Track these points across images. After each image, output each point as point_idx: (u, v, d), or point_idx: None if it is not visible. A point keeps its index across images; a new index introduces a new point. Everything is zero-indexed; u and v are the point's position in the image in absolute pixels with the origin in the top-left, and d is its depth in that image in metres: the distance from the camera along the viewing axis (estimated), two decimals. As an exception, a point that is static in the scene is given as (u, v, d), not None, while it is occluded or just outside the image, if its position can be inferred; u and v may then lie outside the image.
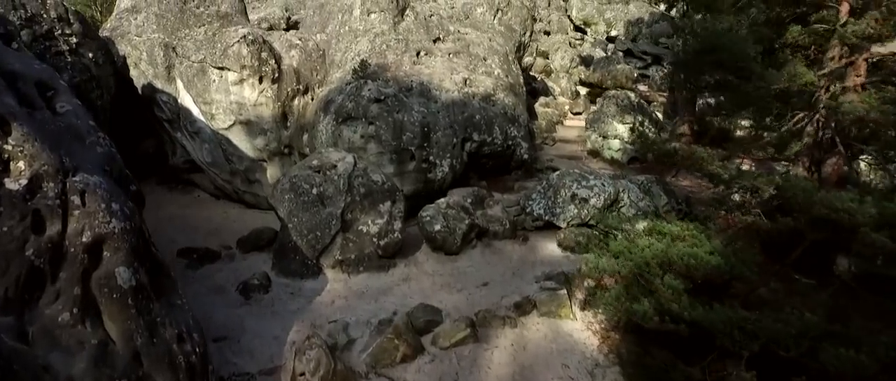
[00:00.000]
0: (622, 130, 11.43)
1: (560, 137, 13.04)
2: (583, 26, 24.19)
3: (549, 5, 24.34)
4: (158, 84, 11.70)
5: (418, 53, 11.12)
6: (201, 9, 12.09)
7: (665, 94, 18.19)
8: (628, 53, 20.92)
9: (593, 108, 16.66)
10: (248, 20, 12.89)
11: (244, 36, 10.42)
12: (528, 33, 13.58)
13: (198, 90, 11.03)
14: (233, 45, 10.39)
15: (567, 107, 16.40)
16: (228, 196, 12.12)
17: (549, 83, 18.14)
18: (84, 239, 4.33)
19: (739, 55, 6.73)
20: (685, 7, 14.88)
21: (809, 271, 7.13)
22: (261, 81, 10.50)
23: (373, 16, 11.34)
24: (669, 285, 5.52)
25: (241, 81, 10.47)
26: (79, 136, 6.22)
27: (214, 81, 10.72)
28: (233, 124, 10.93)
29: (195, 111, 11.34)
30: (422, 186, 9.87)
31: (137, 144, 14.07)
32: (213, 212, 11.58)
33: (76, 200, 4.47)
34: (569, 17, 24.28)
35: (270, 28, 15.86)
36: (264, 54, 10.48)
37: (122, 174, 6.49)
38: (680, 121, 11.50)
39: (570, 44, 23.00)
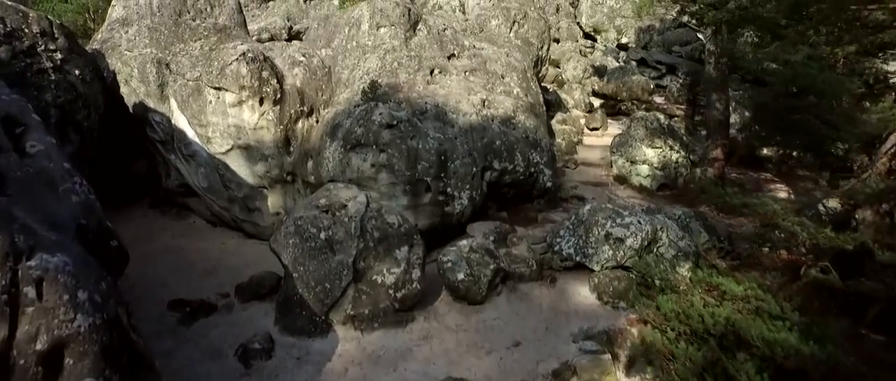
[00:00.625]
0: (651, 155, 10.49)
1: (582, 160, 12.10)
2: (592, 34, 23.25)
3: (557, 12, 23.35)
4: (151, 103, 10.71)
5: (432, 72, 10.16)
6: (198, 21, 11.10)
7: (683, 105, 17.27)
8: (642, 63, 20.00)
9: (615, 127, 15.74)
10: (248, 33, 11.90)
11: (244, 53, 9.43)
12: (545, 47, 12.63)
13: (193, 111, 10.04)
14: (231, 63, 9.41)
15: (583, 121, 15.45)
16: (226, 224, 11.14)
17: (562, 95, 17.19)
18: (39, 346, 3.37)
19: (832, 97, 5.80)
20: (724, 30, 13.91)
21: (880, 327, 6.23)
22: (261, 102, 9.52)
23: (383, 30, 10.37)
24: (748, 374, 4.59)
25: (240, 102, 9.49)
26: (51, 182, 5.26)
27: (211, 102, 9.74)
28: (231, 149, 9.96)
29: (190, 133, 10.35)
30: (438, 220, 8.92)
31: (129, 165, 13.08)
32: (210, 243, 10.60)
33: (30, 292, 3.50)
34: (578, 24, 23.32)
35: (271, 38, 14.87)
36: (265, 74, 9.51)
37: (101, 228, 5.52)
38: (712, 144, 10.57)
39: (580, 52, 22.03)
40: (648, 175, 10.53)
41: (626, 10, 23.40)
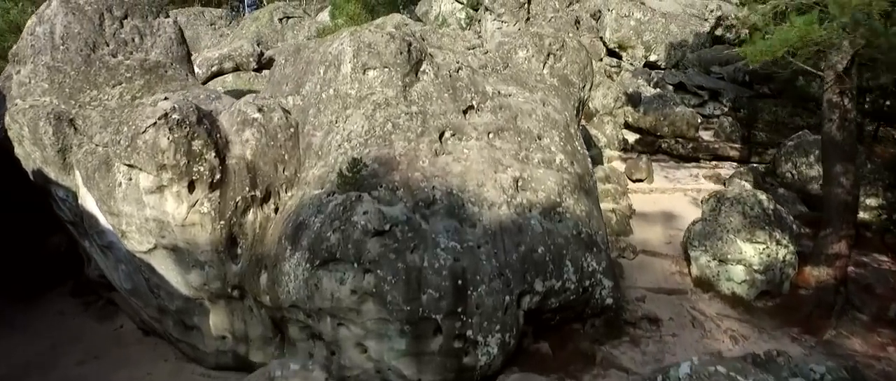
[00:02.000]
0: (750, 252, 7.30)
1: (640, 243, 8.84)
2: (617, 50, 19.95)
3: (577, 26, 20.04)
4: (51, 173, 7.49)
5: (442, 135, 6.94)
6: (119, 57, 7.88)
7: (737, 145, 14.00)
8: (679, 87, 16.76)
9: (661, 176, 12.47)
10: (191, 72, 8.63)
11: (165, 114, 6.18)
12: (587, 86, 9.41)
13: (100, 193, 6.82)
14: (145, 130, 6.17)
15: (622, 169, 12.22)
16: (160, 334, 7.94)
17: (591, 129, 13.97)
18: None
19: None
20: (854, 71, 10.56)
21: None
22: (191, 187, 6.30)
23: (372, 74, 7.14)
24: None
25: (160, 188, 6.27)
26: None
27: (121, 183, 6.51)
28: (154, 248, 6.75)
29: (102, 220, 7.14)
30: (453, 376, 5.73)
31: (43, 241, 9.89)
32: (137, 368, 7.39)
33: None
34: (602, 39, 20.03)
35: (237, 68, 11.65)
36: (197, 145, 6.27)
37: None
38: (833, 235, 7.37)
39: (606, 73, 18.75)
40: (745, 280, 7.32)
41: (656, 23, 20.08)
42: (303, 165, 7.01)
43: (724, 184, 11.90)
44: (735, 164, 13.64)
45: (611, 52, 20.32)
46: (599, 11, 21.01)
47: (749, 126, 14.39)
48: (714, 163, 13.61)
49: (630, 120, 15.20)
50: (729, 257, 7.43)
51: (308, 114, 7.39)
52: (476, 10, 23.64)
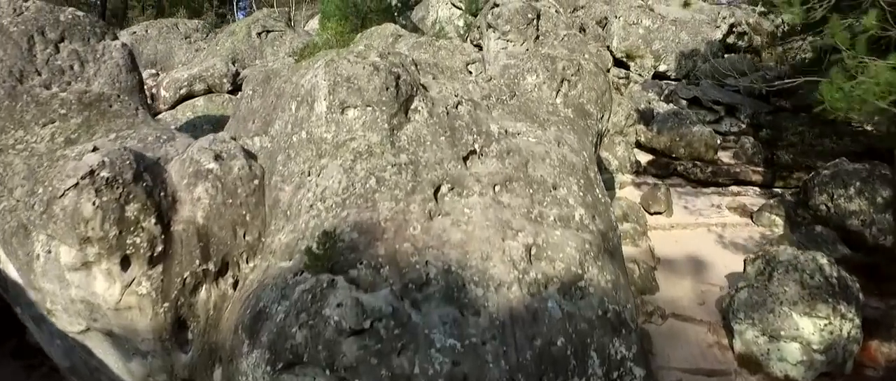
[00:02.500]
0: (809, 329, 6.04)
1: (669, 304, 7.55)
2: (625, 60, 18.67)
3: (582, 34, 18.76)
4: (-33, 231, 6.18)
5: (438, 191, 5.66)
6: (53, 89, 6.57)
7: (759, 168, 12.76)
8: (694, 102, 15.51)
9: (681, 209, 11.20)
10: (143, 104, 7.30)
11: (91, 172, 4.88)
12: (606, 115, 8.14)
13: (20, 263, 5.53)
14: (64, 193, 4.87)
15: (638, 199, 10.97)
16: (105, 417, 6.67)
17: (602, 152, 12.74)
18: None
19: None
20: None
21: None
22: (126, 263, 5.01)
23: (351, 114, 5.86)
24: None
25: (86, 264, 4.98)
26: None
27: (39, 256, 5.21)
28: (86, 330, 5.47)
29: (30, 293, 5.85)
30: None
31: (-22, 295, 8.58)
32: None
33: None
34: (609, 48, 18.74)
35: (209, 91, 10.33)
36: (133, 208, 4.98)
37: None
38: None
39: (614, 85, 17.50)
40: (801, 361, 6.04)
41: (666, 31, 18.79)
42: (268, 228, 5.72)
43: (751, 217, 10.68)
44: (757, 189, 12.42)
45: (617, 62, 19.04)
46: (605, 18, 19.72)
47: (771, 146, 13.15)
48: (735, 188, 12.34)
49: (642, 139, 13.95)
50: (782, 333, 6.19)
51: (276, 161, 6.10)
52: (475, 16, 22.30)
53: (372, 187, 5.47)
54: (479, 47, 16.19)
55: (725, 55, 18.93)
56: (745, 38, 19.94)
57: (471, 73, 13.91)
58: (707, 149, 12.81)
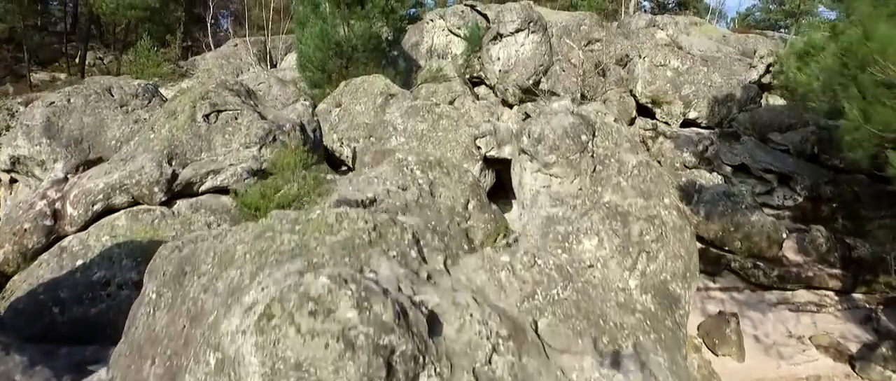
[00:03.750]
0: None
1: None
2: (650, 106, 16.07)
3: (603, 77, 16.05)
4: None
5: None
6: None
7: (836, 270, 10.20)
8: (740, 169, 12.95)
9: (753, 348, 8.60)
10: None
11: None
12: (692, 286, 5.54)
13: None
14: None
15: (696, 330, 8.37)
16: None
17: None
18: None
19: None
20: None
21: None
22: None
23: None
24: None
25: None
26: None
27: None
28: None
29: None
30: None
31: None
32: None
33: None
34: (631, 92, 16.11)
35: (134, 203, 7.42)
36: None
37: None
38: None
39: (644, 143, 14.89)
40: None
41: (696, 73, 16.13)
42: None
43: (852, 364, 8.14)
44: (834, 295, 9.90)
45: (641, 108, 16.43)
46: (627, 56, 17.05)
47: (846, 232, 10.64)
48: (809, 297, 9.81)
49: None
50: None
51: None
52: (475, 42, 19.52)
53: None
54: (490, 112, 13.39)
55: (763, 96, 16.38)
56: (782, 77, 17.38)
57: (480, 148, 11.11)
58: (770, 244, 10.25)
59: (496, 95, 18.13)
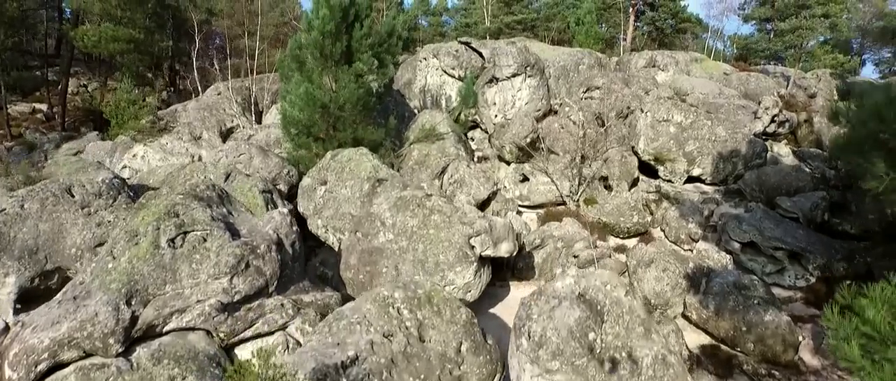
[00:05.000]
0: None
1: None
2: (653, 163, 15.19)
3: (604, 134, 15.14)
4: None
5: None
6: None
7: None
8: (749, 246, 12.12)
9: None
10: None
11: None
12: None
13: None
14: None
15: None
16: None
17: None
18: None
19: None
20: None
21: None
22: None
23: None
24: None
25: None
26: None
27: None
28: None
29: None
30: None
31: None
32: None
33: None
34: (633, 150, 15.22)
35: (86, 355, 6.38)
36: None
37: None
38: None
39: (646, 206, 13.97)
40: None
41: (700, 128, 15.25)
42: None
43: None
44: (853, 405, 9.11)
45: (643, 166, 15.56)
46: (628, 109, 16.15)
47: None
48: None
49: (693, 316, 10.53)
50: None
51: None
52: (469, 99, 18.54)
53: None
54: (485, 216, 12.52)
55: (769, 148, 15.50)
56: (786, 125, 16.54)
57: (473, 248, 10.34)
58: (785, 348, 9.45)
59: (491, 145, 17.19)
